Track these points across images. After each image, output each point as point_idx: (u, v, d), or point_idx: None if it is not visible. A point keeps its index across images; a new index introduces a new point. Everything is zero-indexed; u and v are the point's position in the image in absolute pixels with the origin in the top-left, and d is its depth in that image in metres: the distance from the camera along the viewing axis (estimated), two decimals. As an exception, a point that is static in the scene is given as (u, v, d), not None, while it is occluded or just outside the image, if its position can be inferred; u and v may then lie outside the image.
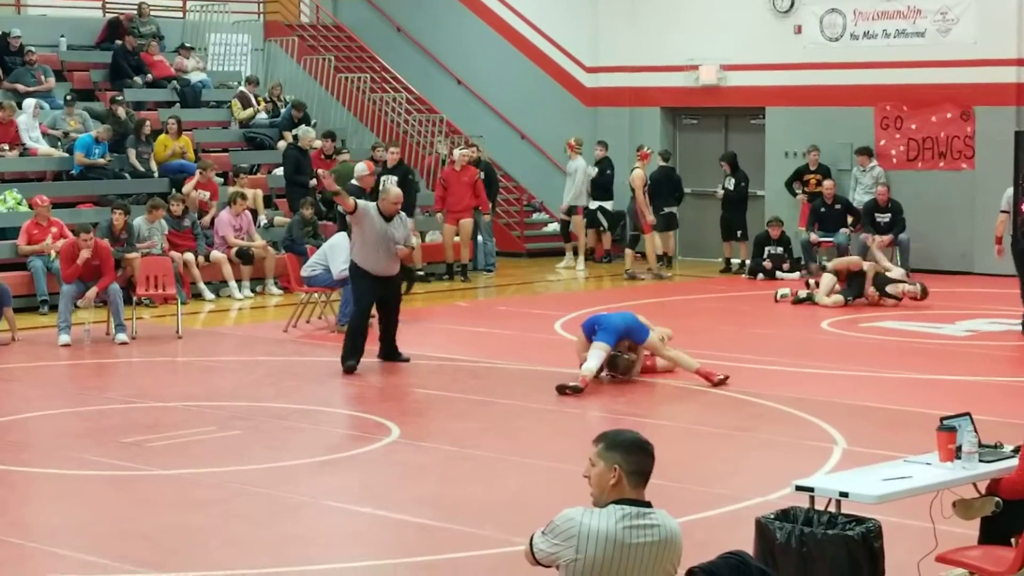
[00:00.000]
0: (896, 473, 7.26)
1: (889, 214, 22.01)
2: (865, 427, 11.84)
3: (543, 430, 12.15)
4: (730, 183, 23.69)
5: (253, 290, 20.58)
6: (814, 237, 22.44)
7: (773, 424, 12.10)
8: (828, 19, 23.56)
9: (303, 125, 23.82)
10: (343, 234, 17.68)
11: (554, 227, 25.78)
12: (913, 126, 22.97)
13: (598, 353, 13.40)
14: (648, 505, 5.27)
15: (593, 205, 24.11)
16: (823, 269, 20.05)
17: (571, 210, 24.13)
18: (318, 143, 23.11)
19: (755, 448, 11.39)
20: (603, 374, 13.75)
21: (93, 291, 16.37)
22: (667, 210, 23.20)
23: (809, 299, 19.23)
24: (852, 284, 19.18)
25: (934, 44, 22.60)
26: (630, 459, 5.29)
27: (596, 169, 24.19)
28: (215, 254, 20.29)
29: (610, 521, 5.17)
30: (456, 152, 23.20)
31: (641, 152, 22.99)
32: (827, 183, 22.61)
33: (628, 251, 23.08)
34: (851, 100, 23.30)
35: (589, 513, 5.22)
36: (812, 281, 19.85)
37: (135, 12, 25.88)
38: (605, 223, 24.38)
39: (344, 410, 13.13)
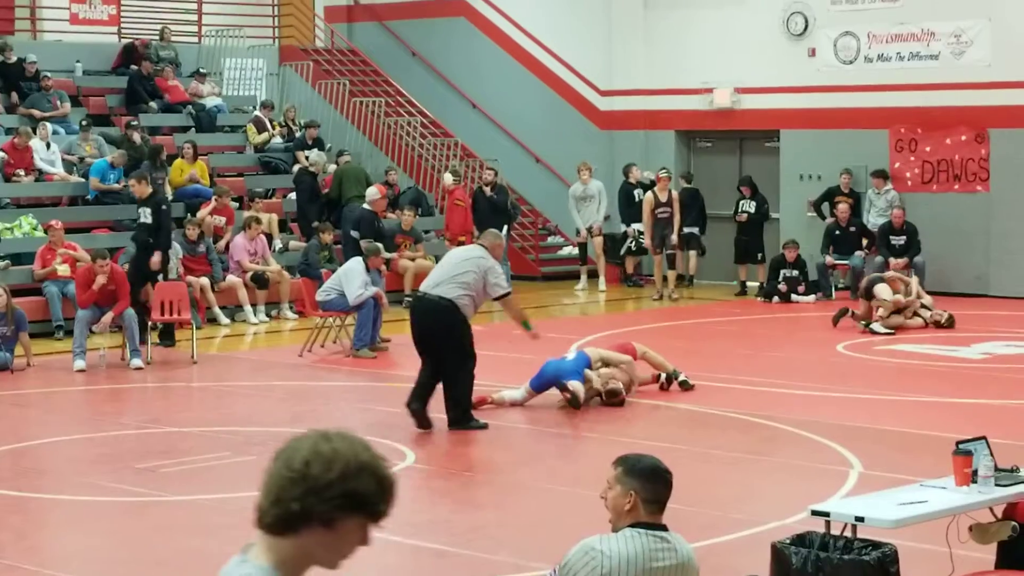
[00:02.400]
0: (912, 497, 7.24)
1: (904, 236, 22.00)
2: (881, 451, 11.81)
3: (558, 454, 12.14)
4: (751, 206, 23.69)
5: (268, 314, 20.60)
6: (829, 260, 22.43)
7: (789, 448, 12.08)
8: (842, 42, 23.58)
9: (316, 148, 23.89)
10: (358, 259, 17.73)
11: (569, 250, 25.79)
12: (928, 148, 22.96)
13: (520, 393, 13.71)
14: (664, 529, 5.26)
15: (630, 228, 24.03)
16: (868, 297, 19.47)
17: (589, 232, 24.20)
18: (332, 167, 23.17)
19: (771, 472, 11.37)
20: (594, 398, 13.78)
21: (109, 316, 16.42)
22: (687, 231, 23.30)
23: (867, 327, 18.84)
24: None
25: (948, 67, 22.60)
26: (647, 487, 5.27)
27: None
28: (230, 278, 20.33)
29: (631, 545, 5.15)
30: (447, 176, 23.36)
31: (657, 175, 23.01)
32: (842, 206, 22.59)
33: (670, 273, 23.01)
34: (866, 123, 23.29)
35: (607, 540, 5.20)
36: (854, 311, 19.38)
37: (152, 38, 25.99)
38: (635, 246, 24.24)
39: (360, 435, 13.11)
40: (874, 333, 18.49)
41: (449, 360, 12.63)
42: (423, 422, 12.62)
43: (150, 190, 18.06)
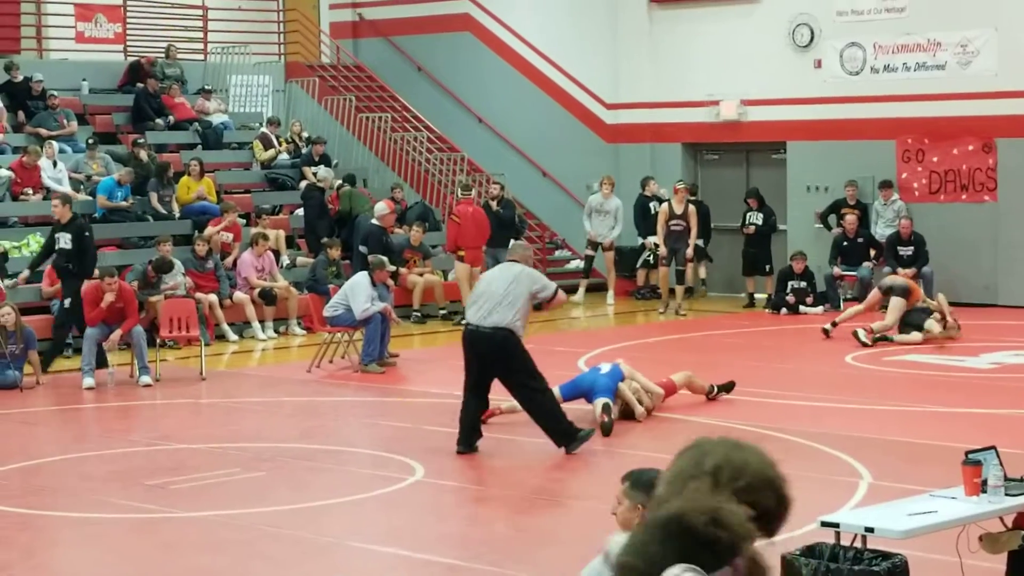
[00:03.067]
0: (922, 508, 7.24)
1: (912, 247, 22.00)
2: (890, 461, 11.81)
3: (567, 468, 12.14)
4: (758, 218, 23.72)
5: (276, 331, 20.63)
6: (837, 271, 22.45)
7: (798, 459, 12.07)
8: (848, 53, 23.60)
9: (323, 166, 23.94)
10: (363, 273, 17.75)
11: (577, 264, 25.82)
12: (935, 159, 22.98)
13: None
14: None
15: (647, 241, 24.01)
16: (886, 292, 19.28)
17: (599, 246, 24.22)
18: (337, 181, 23.23)
19: (780, 484, 11.35)
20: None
21: (117, 334, 16.45)
22: (698, 243, 23.46)
23: (885, 338, 18.73)
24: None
25: (955, 77, 22.61)
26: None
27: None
28: (238, 295, 20.36)
29: None
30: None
31: (675, 187, 23.00)
32: (850, 217, 22.61)
33: (678, 288, 23.01)
34: (872, 134, 23.31)
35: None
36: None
37: (158, 55, 26.07)
38: (652, 259, 24.19)
39: (368, 450, 13.14)
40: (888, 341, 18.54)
41: (521, 386, 12.42)
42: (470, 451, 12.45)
43: (71, 214, 17.73)
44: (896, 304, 18.87)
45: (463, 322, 12.76)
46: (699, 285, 24.48)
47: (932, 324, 18.71)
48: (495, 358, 12.28)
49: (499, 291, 12.32)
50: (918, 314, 18.88)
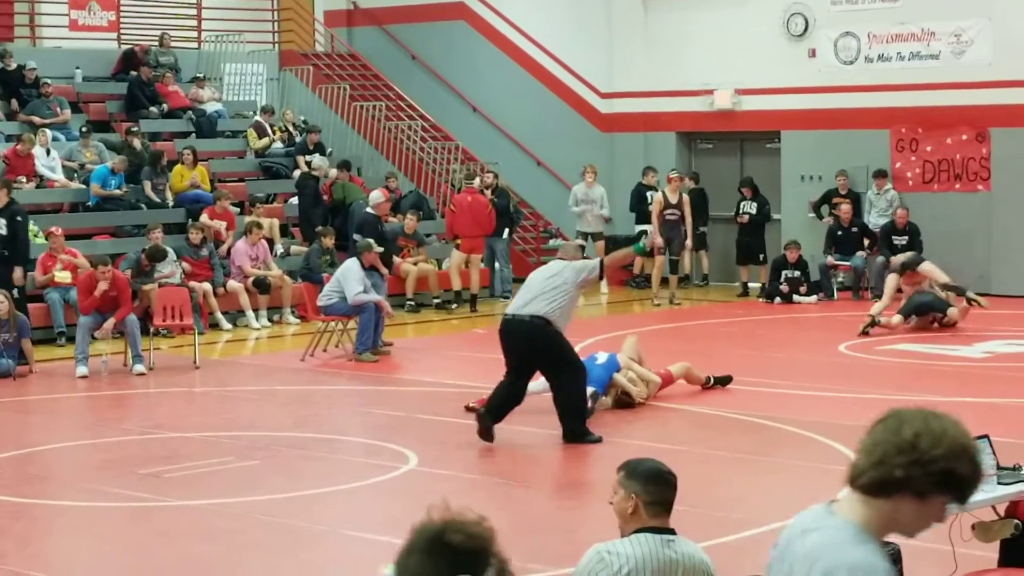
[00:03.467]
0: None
1: (906, 236, 22.03)
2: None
3: (562, 457, 12.15)
4: (752, 207, 23.72)
5: (270, 319, 20.63)
6: (831, 260, 22.47)
7: (791, 448, 12.10)
8: (842, 42, 23.60)
9: (318, 154, 23.93)
10: (353, 259, 17.75)
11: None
12: (929, 148, 22.99)
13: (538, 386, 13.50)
14: (671, 532, 5.28)
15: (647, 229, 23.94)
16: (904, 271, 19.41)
17: (587, 236, 24.18)
18: (333, 172, 23.22)
19: (773, 473, 11.39)
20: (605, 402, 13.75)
21: (111, 322, 16.44)
22: (701, 230, 23.52)
23: (873, 323, 18.71)
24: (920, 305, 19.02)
25: (949, 66, 22.62)
26: (648, 488, 5.30)
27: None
28: (232, 284, 20.35)
29: (640, 548, 5.17)
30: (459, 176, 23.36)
31: (668, 176, 22.98)
32: (844, 206, 22.62)
33: (672, 277, 23.01)
34: (866, 123, 23.32)
35: (616, 545, 5.22)
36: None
37: (152, 43, 26.03)
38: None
39: (362, 439, 13.15)
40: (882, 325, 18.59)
41: (554, 374, 12.38)
42: (488, 436, 12.26)
43: (7, 200, 17.70)
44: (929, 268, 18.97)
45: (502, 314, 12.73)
46: (699, 275, 24.52)
47: (930, 268, 18.91)
48: (529, 346, 12.26)
49: (537, 284, 12.39)
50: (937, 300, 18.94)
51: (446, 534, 3.32)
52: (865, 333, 18.43)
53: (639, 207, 24.08)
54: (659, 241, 22.55)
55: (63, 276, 18.71)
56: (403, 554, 3.40)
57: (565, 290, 12.31)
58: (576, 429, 12.32)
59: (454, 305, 22.24)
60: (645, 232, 23.44)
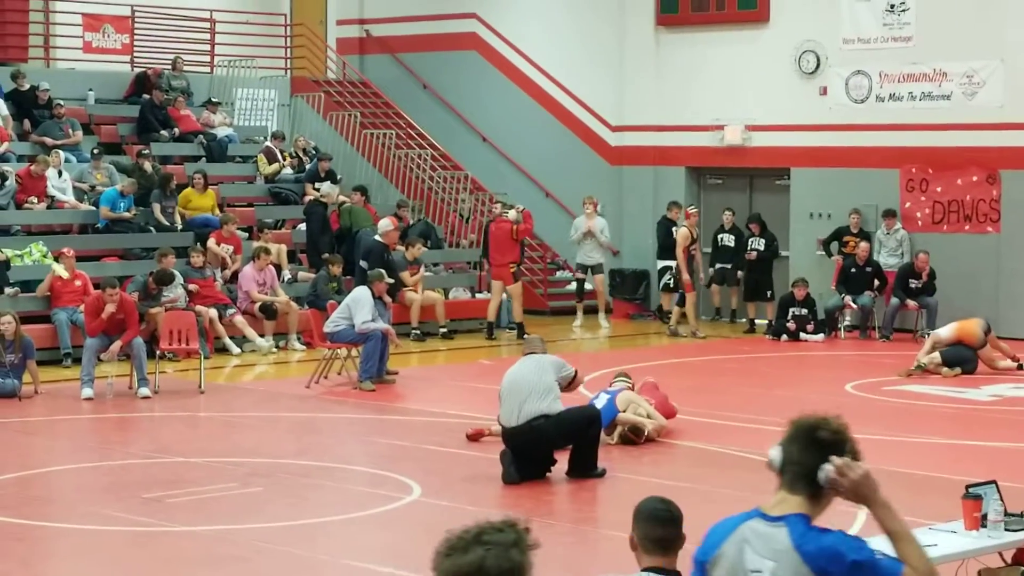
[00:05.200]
0: (921, 541, 7.22)
1: (922, 280, 22.08)
2: (889, 492, 11.69)
3: (565, 490, 12.11)
4: (760, 244, 23.71)
5: (276, 345, 20.61)
6: (847, 299, 22.40)
7: (796, 488, 12.03)
8: (854, 81, 23.63)
9: (328, 182, 23.96)
10: (364, 288, 17.75)
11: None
12: (939, 189, 22.99)
13: None
14: (674, 573, 5.24)
15: (663, 265, 23.85)
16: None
17: (588, 269, 24.15)
18: (339, 197, 23.23)
19: (778, 512, 11.33)
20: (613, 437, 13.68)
21: (117, 344, 16.43)
22: (720, 266, 23.59)
23: (919, 368, 18.51)
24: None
25: (960, 107, 22.64)
26: (644, 527, 5.29)
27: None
28: (238, 319, 20.31)
29: None
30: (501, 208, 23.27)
31: (687, 211, 23.03)
32: (863, 245, 22.59)
33: (676, 309, 23.02)
34: (877, 162, 23.33)
35: None
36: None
37: (164, 67, 26.09)
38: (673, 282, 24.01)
39: (366, 468, 13.12)
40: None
41: (571, 441, 12.26)
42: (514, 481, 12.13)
43: None
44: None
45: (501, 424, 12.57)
46: (727, 310, 24.72)
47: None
48: (540, 446, 12.14)
49: (525, 385, 12.14)
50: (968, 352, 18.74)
51: (817, 431, 4.42)
52: (910, 375, 18.35)
53: (666, 241, 23.81)
54: (687, 278, 22.56)
55: (60, 268, 18.87)
56: (786, 441, 4.46)
57: (551, 383, 12.19)
58: (586, 471, 12.22)
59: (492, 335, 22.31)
60: (669, 268, 23.40)
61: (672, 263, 23.17)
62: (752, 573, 4.29)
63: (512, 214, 22.72)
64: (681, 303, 22.87)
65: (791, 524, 4.24)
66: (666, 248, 23.59)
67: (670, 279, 23.59)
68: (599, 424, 12.52)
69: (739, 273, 23.73)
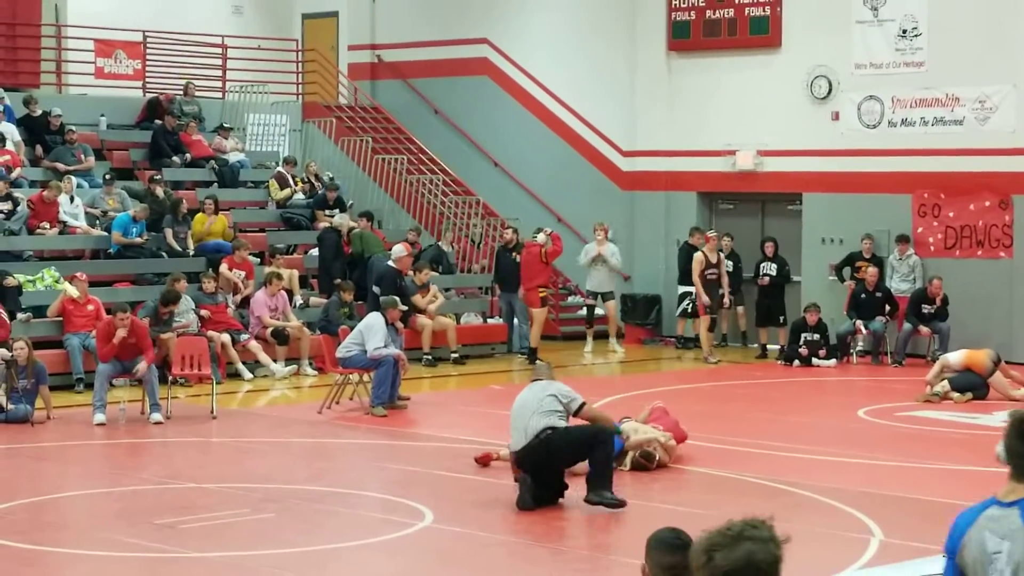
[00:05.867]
0: (935, 569, 7.23)
1: (935, 306, 22.08)
2: (903, 519, 11.79)
3: (576, 516, 12.12)
4: (772, 269, 23.70)
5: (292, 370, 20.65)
6: (859, 324, 22.40)
7: (808, 514, 12.06)
8: (866, 106, 23.68)
9: (339, 210, 24.05)
10: (378, 314, 17.79)
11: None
12: (951, 214, 23.01)
13: None
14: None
15: (683, 291, 23.84)
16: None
17: (598, 296, 24.17)
18: (351, 224, 23.29)
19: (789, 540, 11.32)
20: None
21: (143, 365, 16.38)
22: (683, 289, 23.69)
23: (936, 396, 18.47)
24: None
25: (972, 132, 22.66)
26: (655, 555, 5.29)
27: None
28: (253, 344, 20.37)
29: None
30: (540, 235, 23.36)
31: (706, 236, 23.14)
32: (871, 270, 22.60)
33: (708, 335, 23.08)
34: (889, 187, 23.36)
35: None
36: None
37: (176, 92, 26.22)
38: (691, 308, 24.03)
39: (378, 494, 13.14)
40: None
41: (585, 455, 12.23)
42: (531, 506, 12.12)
43: None
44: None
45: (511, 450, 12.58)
46: (737, 333, 24.69)
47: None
48: (552, 458, 12.12)
49: (531, 404, 12.16)
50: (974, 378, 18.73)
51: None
52: (928, 401, 18.35)
53: (687, 266, 23.66)
54: (705, 300, 22.67)
55: (72, 291, 18.96)
56: (1007, 436, 4.87)
57: (555, 404, 12.17)
58: (602, 495, 12.22)
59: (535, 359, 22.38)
60: (689, 294, 23.42)
61: (691, 288, 23.25)
62: (994, 554, 4.78)
63: (541, 237, 22.82)
64: (711, 328, 22.99)
65: (1022, 507, 4.74)
66: (686, 273, 23.60)
67: (688, 304, 23.62)
68: (612, 442, 12.45)
69: (726, 300, 23.39)
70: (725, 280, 23.08)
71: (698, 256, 22.81)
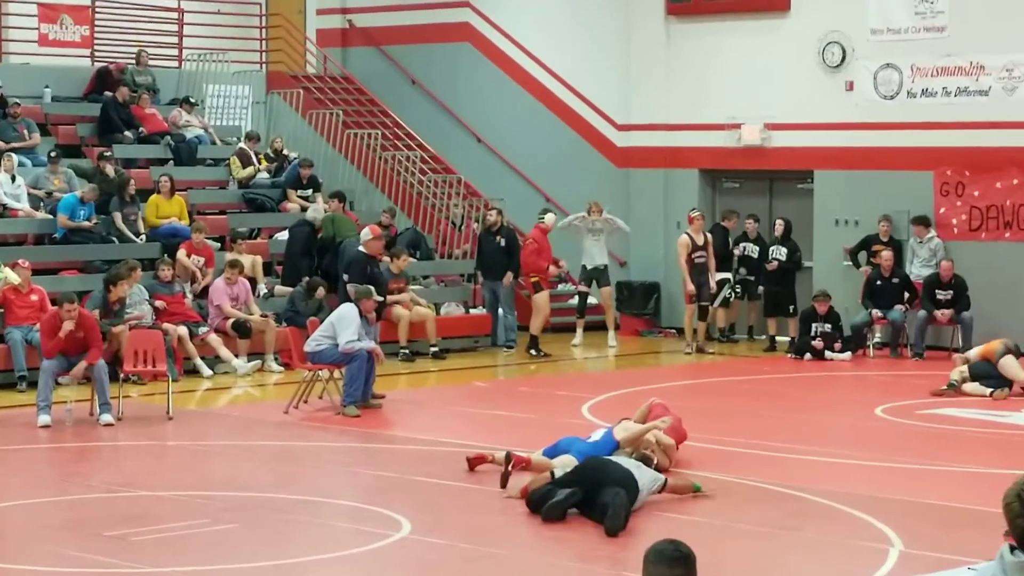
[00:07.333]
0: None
1: (951, 291, 22.05)
2: (923, 527, 11.80)
3: (561, 528, 12.11)
4: (782, 253, 23.65)
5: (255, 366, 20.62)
6: (876, 314, 22.38)
7: (821, 522, 12.07)
8: (883, 75, 23.68)
9: (312, 190, 24.00)
10: (351, 305, 17.74)
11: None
12: (976, 193, 23.03)
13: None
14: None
15: (721, 277, 23.84)
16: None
17: (592, 280, 24.15)
18: (324, 206, 23.28)
19: (800, 549, 11.35)
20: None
21: (82, 365, 16.35)
22: (720, 276, 23.67)
23: (951, 387, 18.64)
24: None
25: (999, 103, 22.68)
26: (652, 569, 5.30)
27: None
28: (212, 337, 20.33)
29: None
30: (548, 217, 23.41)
31: (689, 216, 23.12)
32: (886, 254, 22.58)
33: (701, 324, 23.11)
34: (908, 164, 23.37)
35: None
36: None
37: (128, 61, 26.15)
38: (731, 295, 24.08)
39: (351, 502, 13.13)
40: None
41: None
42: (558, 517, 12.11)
43: None
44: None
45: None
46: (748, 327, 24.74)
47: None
48: (599, 476, 12.14)
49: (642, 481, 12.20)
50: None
51: None
52: (941, 394, 18.40)
53: (722, 252, 23.74)
54: (691, 288, 22.70)
55: (12, 275, 18.92)
56: None
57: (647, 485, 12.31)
58: (615, 525, 12.16)
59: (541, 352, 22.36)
60: (728, 280, 23.48)
61: (728, 275, 23.36)
62: None
63: (549, 217, 22.94)
64: (702, 317, 22.98)
65: None
66: (724, 259, 23.71)
67: (730, 293, 23.68)
68: (637, 488, 12.36)
69: (712, 286, 23.39)
70: (712, 264, 22.98)
71: (683, 238, 22.83)
